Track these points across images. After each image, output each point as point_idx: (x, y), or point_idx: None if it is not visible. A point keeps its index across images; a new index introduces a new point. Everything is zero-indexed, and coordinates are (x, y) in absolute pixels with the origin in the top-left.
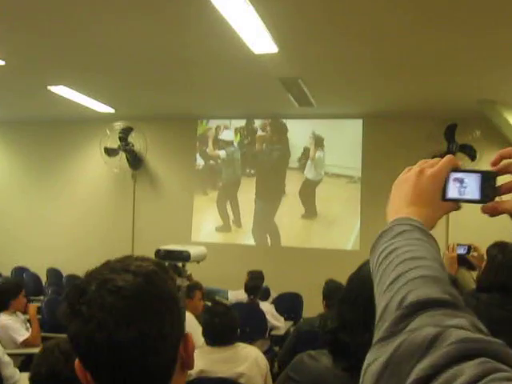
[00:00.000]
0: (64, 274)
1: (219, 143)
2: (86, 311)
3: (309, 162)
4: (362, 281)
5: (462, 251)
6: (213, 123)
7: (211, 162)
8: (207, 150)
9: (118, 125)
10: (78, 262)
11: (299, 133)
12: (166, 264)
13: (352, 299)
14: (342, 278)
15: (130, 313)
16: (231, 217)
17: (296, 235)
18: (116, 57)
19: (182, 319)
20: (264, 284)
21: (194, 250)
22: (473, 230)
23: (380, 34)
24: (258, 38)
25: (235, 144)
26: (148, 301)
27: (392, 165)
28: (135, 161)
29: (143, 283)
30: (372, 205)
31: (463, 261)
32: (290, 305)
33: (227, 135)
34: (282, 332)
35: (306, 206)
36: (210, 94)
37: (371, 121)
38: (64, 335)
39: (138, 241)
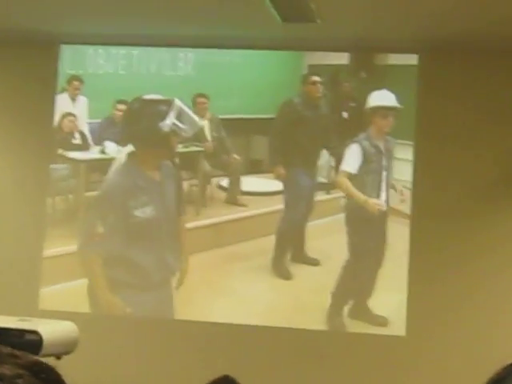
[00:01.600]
0: None
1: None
2: None
3: None
4: None
5: None
6: (91, 53)
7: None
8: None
9: None
10: None
11: (283, 80)
12: None
13: None
14: None
15: None
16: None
17: (266, 306)
18: None
19: None
20: None
21: (49, 330)
22: None
23: None
24: None
25: None
26: None
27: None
28: None
29: None
30: (434, 239)
31: None
32: None
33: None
34: None
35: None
36: None
37: (437, 57)
38: None
39: None
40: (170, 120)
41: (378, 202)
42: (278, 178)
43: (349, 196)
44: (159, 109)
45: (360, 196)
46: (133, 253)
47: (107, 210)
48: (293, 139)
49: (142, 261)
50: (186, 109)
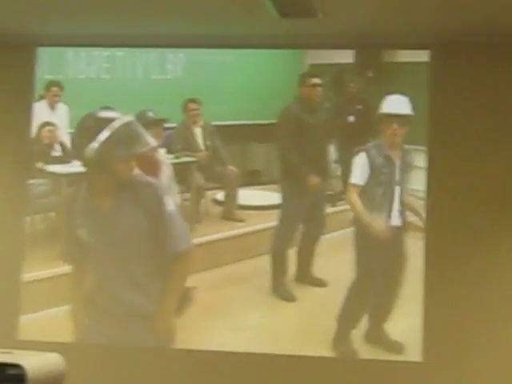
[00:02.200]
0: None
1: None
2: None
3: None
4: None
5: None
6: (71, 56)
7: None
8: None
9: None
10: None
11: (282, 82)
12: None
13: None
14: None
15: None
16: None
17: (269, 331)
18: None
19: None
20: None
21: (33, 364)
22: None
23: None
24: None
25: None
26: None
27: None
28: None
29: None
30: (452, 255)
31: None
32: None
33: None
34: None
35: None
36: None
37: (451, 53)
38: None
39: None
40: (95, 144)
41: (384, 226)
42: (313, 188)
43: (354, 213)
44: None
45: (365, 216)
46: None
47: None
48: (294, 148)
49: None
50: (136, 130)
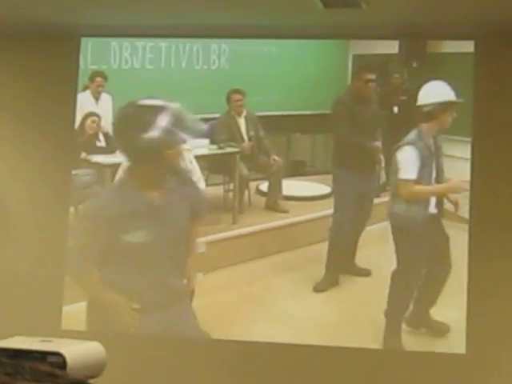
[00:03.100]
0: None
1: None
2: None
3: None
4: None
5: None
6: (115, 46)
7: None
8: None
9: None
10: None
11: (326, 72)
12: None
13: None
14: None
15: None
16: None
17: (313, 322)
18: None
19: None
20: None
21: (73, 352)
22: None
23: None
24: None
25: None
26: None
27: None
28: None
29: None
30: (497, 247)
31: None
32: None
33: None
34: None
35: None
36: None
37: (496, 44)
38: None
39: None
40: (155, 132)
41: (458, 181)
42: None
43: (426, 199)
44: (152, 117)
45: (438, 189)
46: (121, 278)
47: (92, 233)
48: (345, 138)
49: (133, 285)
50: (185, 116)
